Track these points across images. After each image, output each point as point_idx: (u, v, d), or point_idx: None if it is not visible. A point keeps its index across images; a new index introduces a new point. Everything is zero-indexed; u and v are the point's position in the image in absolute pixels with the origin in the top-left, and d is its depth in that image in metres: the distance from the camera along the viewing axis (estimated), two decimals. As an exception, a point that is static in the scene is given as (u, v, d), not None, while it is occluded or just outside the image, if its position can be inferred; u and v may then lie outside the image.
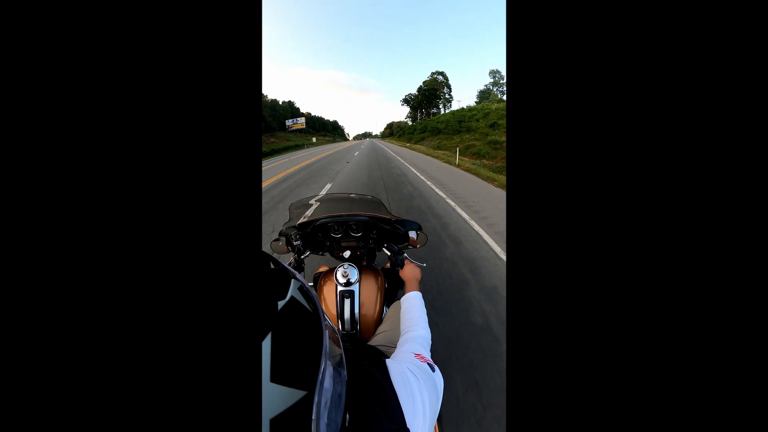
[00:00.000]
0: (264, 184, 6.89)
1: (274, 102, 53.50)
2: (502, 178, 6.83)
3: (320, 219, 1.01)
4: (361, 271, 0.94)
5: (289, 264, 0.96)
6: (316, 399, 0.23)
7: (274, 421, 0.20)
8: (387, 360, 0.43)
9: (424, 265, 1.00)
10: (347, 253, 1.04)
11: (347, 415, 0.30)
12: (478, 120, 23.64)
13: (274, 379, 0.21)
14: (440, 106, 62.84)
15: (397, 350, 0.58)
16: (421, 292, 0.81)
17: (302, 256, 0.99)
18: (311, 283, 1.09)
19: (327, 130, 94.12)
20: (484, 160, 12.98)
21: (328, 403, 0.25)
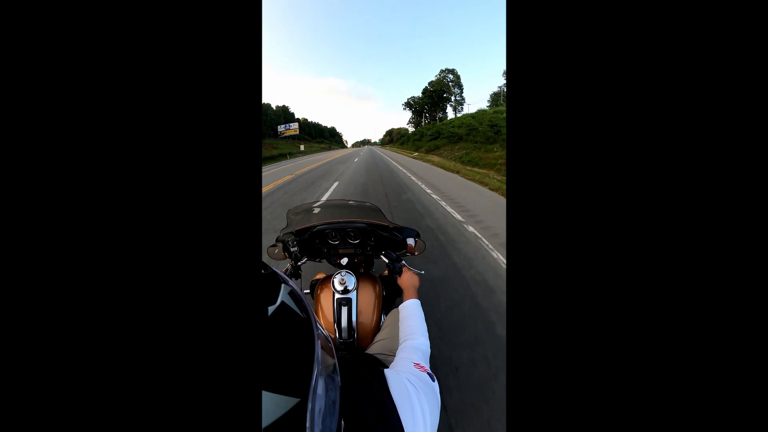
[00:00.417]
0: None
1: (267, 106, 49.34)
2: None
3: (318, 225, 1.00)
4: (359, 278, 0.94)
5: (286, 271, 0.95)
6: (309, 406, 0.23)
7: (267, 430, 0.19)
8: (386, 370, 0.42)
9: (423, 272, 0.99)
10: (345, 260, 1.02)
11: (342, 423, 0.30)
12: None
13: (266, 386, 0.20)
14: (446, 110, 55.08)
15: (395, 359, 0.57)
16: (419, 299, 0.79)
17: (299, 263, 0.98)
18: (308, 291, 1.08)
19: (324, 137, 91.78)
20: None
21: (322, 409, 0.25)
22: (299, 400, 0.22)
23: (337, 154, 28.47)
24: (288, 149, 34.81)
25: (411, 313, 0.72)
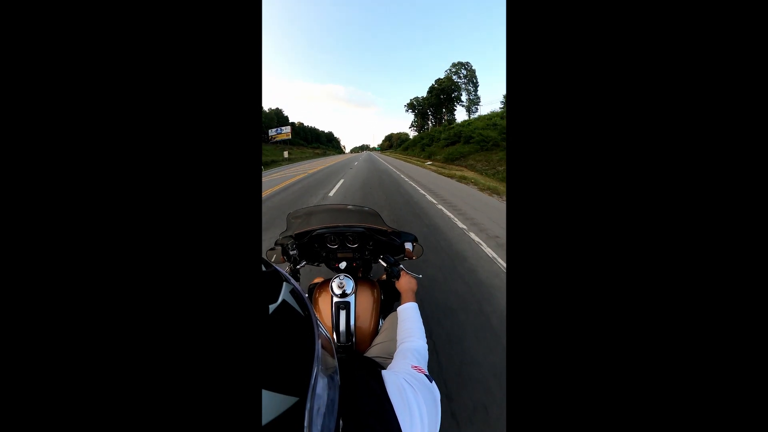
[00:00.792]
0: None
1: (257, 109, 47.60)
2: None
3: (317, 229, 1.01)
4: (357, 282, 0.93)
5: None
6: (308, 405, 0.22)
7: (266, 428, 0.19)
8: (383, 371, 0.42)
9: (420, 276, 1.00)
10: (343, 264, 1.02)
11: (341, 422, 0.30)
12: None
13: (266, 385, 0.20)
14: (454, 111, 47.54)
15: (393, 361, 0.56)
16: (417, 303, 0.80)
17: (298, 267, 0.99)
18: (306, 295, 1.00)
19: (320, 142, 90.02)
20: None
21: (321, 409, 0.25)
22: (298, 398, 0.22)
23: (329, 161, 24.48)
24: (272, 156, 29.82)
25: (409, 316, 0.73)
